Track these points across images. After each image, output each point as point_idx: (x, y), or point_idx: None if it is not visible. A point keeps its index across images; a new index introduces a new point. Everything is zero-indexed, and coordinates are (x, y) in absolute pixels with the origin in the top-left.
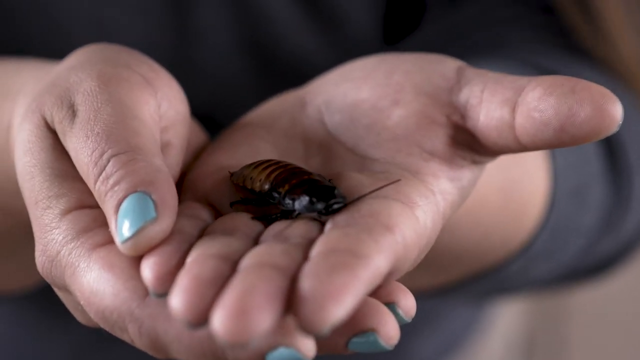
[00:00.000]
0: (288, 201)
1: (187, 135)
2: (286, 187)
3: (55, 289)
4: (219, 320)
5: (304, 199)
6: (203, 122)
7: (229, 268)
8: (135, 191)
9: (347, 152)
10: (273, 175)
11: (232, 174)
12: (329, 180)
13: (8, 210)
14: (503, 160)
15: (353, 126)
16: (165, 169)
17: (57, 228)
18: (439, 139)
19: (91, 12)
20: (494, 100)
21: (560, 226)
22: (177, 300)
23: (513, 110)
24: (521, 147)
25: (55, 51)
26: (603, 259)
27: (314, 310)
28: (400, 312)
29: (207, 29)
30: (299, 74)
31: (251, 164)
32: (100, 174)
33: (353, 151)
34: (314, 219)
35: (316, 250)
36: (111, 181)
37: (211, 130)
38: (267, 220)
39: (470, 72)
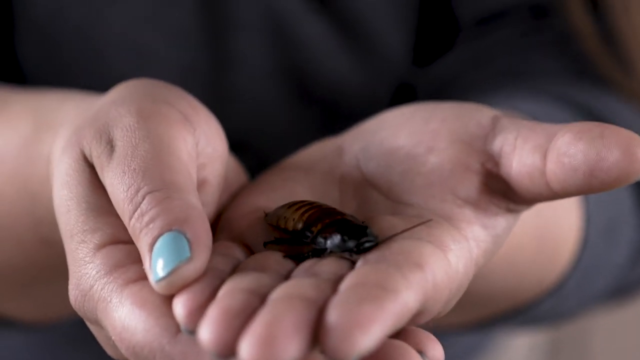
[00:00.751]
0: (320, 240)
1: (224, 173)
2: (319, 225)
3: (87, 323)
4: (246, 349)
5: (336, 238)
6: (239, 147)
7: (258, 301)
8: (170, 229)
9: (382, 197)
10: (307, 215)
11: (266, 215)
12: (362, 222)
13: (48, 242)
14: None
15: (388, 173)
16: (199, 207)
17: (91, 262)
18: (473, 186)
19: (130, 38)
20: (526, 147)
21: (592, 264)
22: (206, 331)
23: (544, 156)
24: (553, 194)
25: (94, 76)
26: (631, 287)
27: (341, 338)
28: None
29: (243, 54)
30: (333, 97)
31: (285, 204)
32: (135, 210)
33: (387, 196)
34: (345, 258)
35: (345, 283)
36: (146, 219)
37: (246, 155)
38: (298, 258)
39: (505, 120)
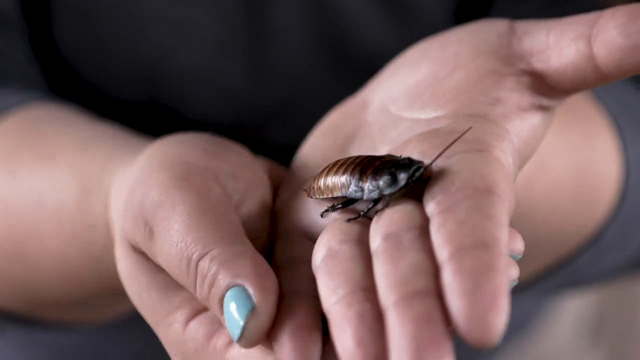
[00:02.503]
0: (371, 188)
1: (266, 195)
2: (364, 178)
3: None
4: None
5: (386, 179)
6: (278, 116)
7: (371, 304)
8: (230, 287)
9: (413, 122)
10: (347, 173)
11: (306, 191)
12: (400, 156)
13: (112, 289)
14: (575, 142)
15: (417, 100)
16: (247, 250)
17: (185, 342)
18: (505, 86)
19: (168, 12)
20: (565, 38)
21: (631, 218)
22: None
23: (589, 42)
24: (601, 78)
25: (131, 50)
26: None
27: (481, 329)
28: (511, 254)
29: (282, 24)
30: (373, 69)
31: (320, 174)
32: (194, 282)
33: (419, 120)
34: (407, 201)
35: (444, 254)
36: (206, 286)
37: (285, 125)
38: (361, 216)
39: (525, 24)
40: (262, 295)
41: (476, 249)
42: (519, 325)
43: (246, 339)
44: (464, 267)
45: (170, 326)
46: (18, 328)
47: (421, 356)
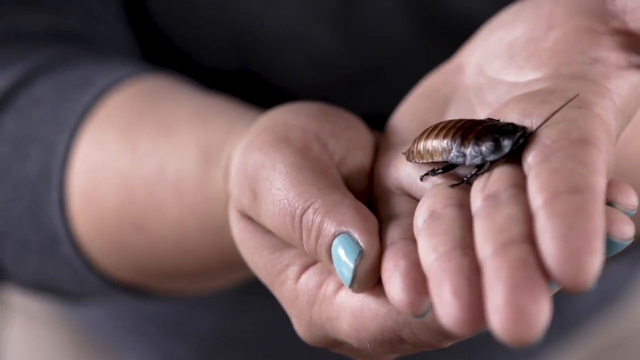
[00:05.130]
0: (474, 154)
1: (368, 155)
2: (466, 143)
3: (331, 350)
4: (499, 327)
5: (490, 146)
6: (369, 81)
7: (470, 259)
8: (336, 235)
9: (511, 85)
10: (448, 138)
11: (406, 154)
12: (499, 120)
13: (233, 263)
14: None
15: (513, 62)
16: (349, 198)
17: (297, 297)
18: (602, 45)
19: None
20: None
21: None
22: (450, 319)
23: None
24: None
25: (224, 15)
26: None
27: (574, 271)
28: (621, 208)
29: (380, 21)
30: (462, 34)
31: (419, 136)
32: (301, 236)
33: (517, 83)
34: (508, 164)
35: (538, 202)
36: (312, 238)
37: (376, 89)
38: (464, 182)
39: None
40: (368, 238)
41: (569, 194)
42: (606, 297)
43: (358, 282)
44: (557, 211)
45: (284, 284)
46: (126, 298)
47: (516, 299)
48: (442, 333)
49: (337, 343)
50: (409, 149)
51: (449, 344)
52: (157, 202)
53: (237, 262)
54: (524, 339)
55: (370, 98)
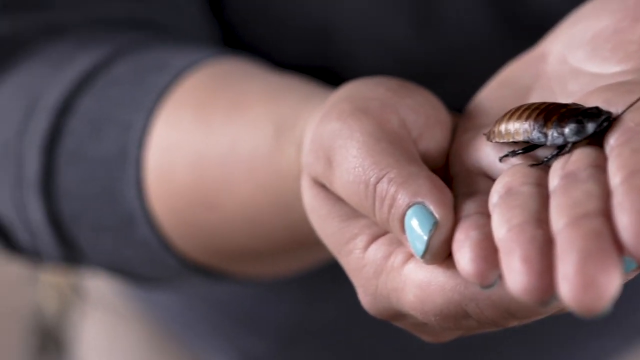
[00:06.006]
0: (557, 135)
1: (446, 135)
2: (549, 124)
3: (394, 323)
4: (569, 295)
5: (573, 127)
6: (445, 74)
7: (544, 231)
8: (410, 206)
9: (595, 76)
10: (532, 118)
11: (487, 134)
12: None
13: (301, 241)
14: None
15: (598, 53)
16: (424, 171)
17: (364, 266)
18: None
19: None
20: None
21: None
22: (518, 286)
23: None
24: None
25: (301, 6)
26: None
27: None
28: None
29: (458, 12)
30: (543, 28)
31: (502, 117)
32: (373, 204)
33: (601, 75)
34: (589, 146)
35: (617, 179)
36: (385, 207)
37: (453, 81)
38: (544, 162)
39: None
40: (442, 210)
41: None
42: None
43: (430, 253)
44: (635, 186)
45: (351, 253)
46: (200, 279)
47: (587, 268)
48: (508, 310)
49: (400, 315)
50: (490, 130)
51: (514, 323)
52: (230, 178)
53: (307, 239)
54: (592, 308)
55: (448, 92)
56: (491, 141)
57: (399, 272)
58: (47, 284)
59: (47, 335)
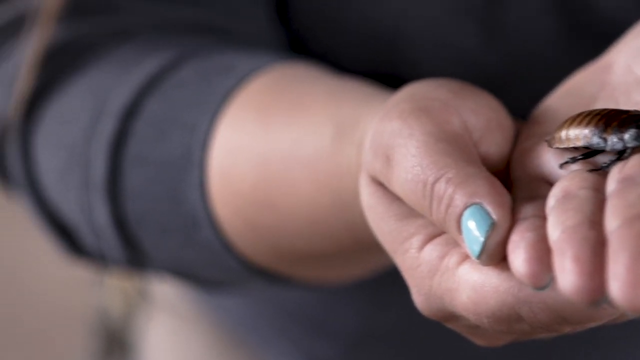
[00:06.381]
0: (616, 140)
1: (507, 139)
2: (609, 129)
3: (446, 324)
4: (618, 293)
5: (633, 132)
6: (510, 83)
7: (597, 233)
8: (467, 206)
9: None
10: (592, 124)
11: (548, 141)
12: None
13: (362, 241)
14: None
15: None
16: (483, 172)
17: (419, 266)
18: None
19: None
20: None
21: None
22: (569, 285)
23: None
24: None
25: (371, 14)
26: None
27: None
28: None
29: (525, 20)
30: (609, 37)
31: (563, 123)
32: (430, 204)
33: None
34: None
35: None
36: (442, 207)
37: (523, 94)
38: (603, 168)
39: None
40: (500, 211)
41: None
42: None
43: (486, 254)
44: None
45: (407, 252)
46: (262, 283)
47: (637, 268)
48: (561, 314)
49: (453, 317)
50: (552, 136)
51: (567, 329)
52: (290, 178)
53: (367, 239)
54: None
55: (512, 99)
56: (552, 147)
57: (454, 273)
58: (113, 286)
59: (112, 338)
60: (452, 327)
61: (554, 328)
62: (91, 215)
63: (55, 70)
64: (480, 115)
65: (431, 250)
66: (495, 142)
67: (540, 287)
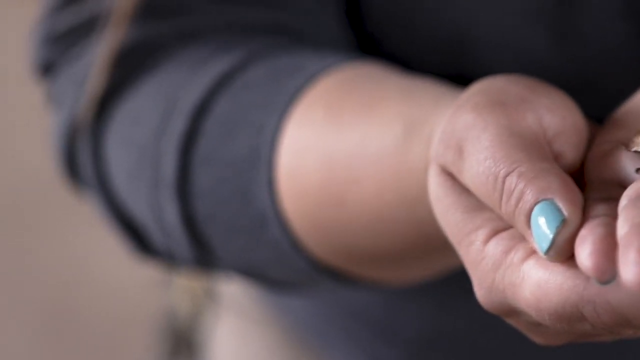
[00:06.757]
0: None
1: (581, 140)
2: None
3: (506, 319)
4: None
5: None
6: (583, 89)
7: None
8: (538, 202)
9: None
10: None
11: (626, 145)
12: None
13: (428, 236)
14: None
15: None
16: (556, 169)
17: (483, 259)
18: None
19: None
20: None
21: None
22: (631, 276)
23: None
24: None
25: (441, 16)
26: None
27: None
28: None
29: (595, 26)
30: None
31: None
32: (500, 197)
33: None
34: None
35: None
36: (513, 201)
37: (591, 96)
38: None
39: None
40: (571, 208)
41: None
42: None
43: (555, 250)
44: None
45: (472, 244)
46: (329, 283)
47: None
48: (625, 316)
49: (514, 312)
50: (631, 140)
51: (630, 332)
52: (357, 175)
53: (433, 237)
54: None
55: (582, 104)
56: (630, 150)
57: (518, 268)
58: (180, 287)
59: (179, 339)
60: (513, 323)
61: (616, 330)
62: (161, 213)
63: (126, 70)
64: (556, 114)
65: (496, 244)
66: (569, 142)
67: (604, 282)
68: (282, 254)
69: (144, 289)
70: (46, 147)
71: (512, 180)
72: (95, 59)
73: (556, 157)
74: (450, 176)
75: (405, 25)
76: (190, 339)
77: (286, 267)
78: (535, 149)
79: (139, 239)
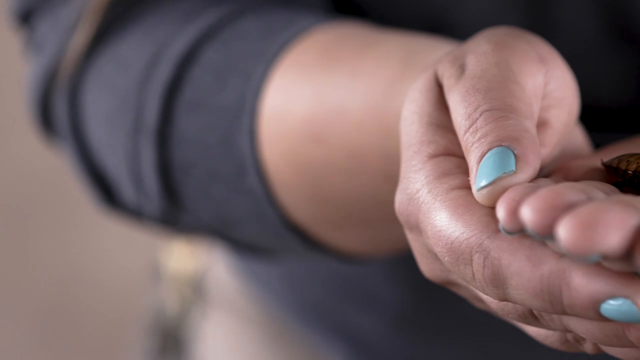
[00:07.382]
0: None
1: (568, 122)
2: None
3: (406, 231)
4: (564, 229)
5: None
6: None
7: (583, 197)
8: (500, 145)
9: None
10: None
11: (604, 162)
12: None
13: (392, 179)
14: None
15: None
16: (533, 132)
17: (421, 169)
18: None
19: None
20: None
21: None
22: (528, 209)
23: None
24: None
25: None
26: None
27: None
28: None
29: (568, 20)
30: None
31: (627, 154)
32: (470, 126)
33: None
34: None
35: None
36: (479, 134)
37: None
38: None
39: None
40: (525, 167)
41: None
42: None
43: (489, 190)
44: None
45: (419, 153)
46: (297, 244)
47: (596, 223)
48: (503, 281)
49: (416, 229)
50: (611, 159)
51: (488, 303)
52: (344, 105)
53: (393, 176)
54: (582, 245)
55: None
56: (602, 163)
57: (445, 193)
58: (168, 284)
59: (168, 336)
60: (409, 239)
61: (486, 290)
62: (136, 159)
63: (112, 18)
64: (560, 88)
65: (439, 163)
66: (558, 118)
67: (510, 230)
68: (256, 205)
69: (132, 286)
70: (46, 147)
71: (488, 117)
72: (83, 6)
73: (542, 123)
74: (439, 88)
75: (386, 5)
76: (178, 336)
77: (258, 223)
78: (526, 105)
79: (107, 192)
